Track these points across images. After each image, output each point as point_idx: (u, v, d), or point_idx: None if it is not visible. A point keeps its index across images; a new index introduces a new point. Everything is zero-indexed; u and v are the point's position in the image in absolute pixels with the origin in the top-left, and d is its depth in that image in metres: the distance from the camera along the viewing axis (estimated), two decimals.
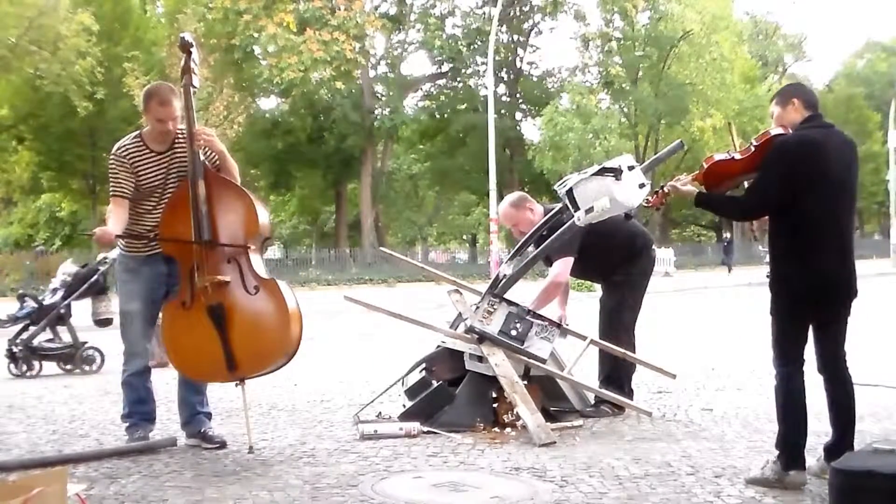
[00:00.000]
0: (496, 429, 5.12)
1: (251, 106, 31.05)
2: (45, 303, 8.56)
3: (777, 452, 3.92)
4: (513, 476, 4.17)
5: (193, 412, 4.90)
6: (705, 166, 4.09)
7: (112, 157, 4.72)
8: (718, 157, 4.11)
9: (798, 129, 3.93)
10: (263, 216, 4.73)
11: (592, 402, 5.70)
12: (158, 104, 4.66)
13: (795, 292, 3.86)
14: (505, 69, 41.29)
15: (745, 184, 4.09)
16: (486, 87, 32.69)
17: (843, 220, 3.93)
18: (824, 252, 3.84)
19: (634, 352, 5.74)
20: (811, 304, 3.87)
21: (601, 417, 5.52)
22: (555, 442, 4.79)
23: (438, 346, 5.58)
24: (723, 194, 4.13)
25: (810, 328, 3.94)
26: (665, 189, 4.24)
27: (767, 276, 3.98)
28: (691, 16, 36.75)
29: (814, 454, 4.01)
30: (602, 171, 5.10)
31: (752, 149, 3.97)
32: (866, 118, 51.52)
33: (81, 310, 8.67)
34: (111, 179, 4.68)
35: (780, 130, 3.95)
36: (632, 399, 5.69)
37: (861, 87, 53.53)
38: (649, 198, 4.35)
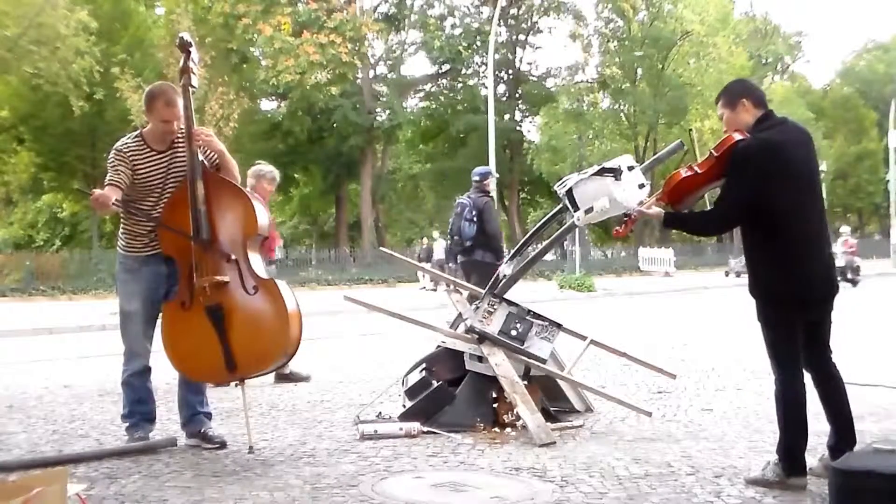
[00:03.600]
0: (496, 429, 5.12)
1: (244, 102, 30.97)
2: None
3: (778, 455, 3.93)
4: (513, 476, 4.18)
5: (193, 412, 4.90)
6: (671, 184, 3.95)
7: (114, 150, 4.72)
8: (682, 173, 3.95)
9: (755, 130, 3.87)
10: (263, 216, 4.73)
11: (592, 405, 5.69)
12: (164, 105, 4.67)
13: (784, 297, 3.84)
14: (504, 69, 41.31)
15: (707, 196, 4.02)
16: (486, 88, 32.71)
17: (814, 216, 3.92)
18: (805, 251, 3.84)
19: None
20: (801, 307, 3.87)
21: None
22: (555, 442, 4.79)
23: (438, 346, 5.59)
24: (691, 211, 4.03)
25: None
26: (632, 216, 4.07)
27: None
28: (690, 17, 36.77)
29: (814, 454, 4.01)
30: (601, 172, 5.09)
31: (714, 158, 3.86)
32: (863, 117, 51.56)
33: None
34: (109, 170, 4.67)
35: (739, 136, 3.85)
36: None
37: (858, 85, 53.54)
38: (618, 227, 4.12)
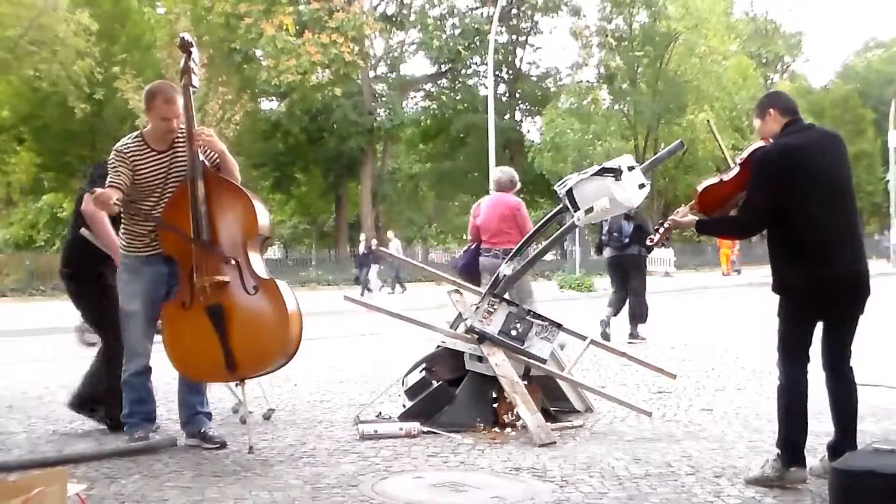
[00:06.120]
0: (496, 429, 5.12)
1: (247, 104, 30.96)
2: None
3: (777, 452, 3.93)
4: (513, 476, 4.18)
5: (193, 412, 4.90)
6: (699, 193, 4.19)
7: (114, 151, 4.72)
8: (707, 183, 4.20)
9: (778, 137, 3.99)
10: (263, 216, 4.73)
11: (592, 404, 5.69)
12: (163, 102, 4.67)
13: (801, 297, 3.89)
14: (504, 69, 41.30)
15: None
16: (486, 88, 32.70)
17: (842, 219, 3.94)
18: (826, 253, 3.86)
19: None
20: (818, 307, 3.90)
21: None
22: (555, 442, 4.79)
23: (438, 346, 5.59)
24: (720, 217, 4.20)
25: (820, 326, 3.95)
26: (666, 225, 4.30)
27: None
28: (674, 10, 36.83)
29: (814, 454, 4.01)
30: (602, 172, 5.11)
31: (738, 168, 4.04)
32: (861, 117, 51.49)
33: None
34: (110, 172, 4.67)
35: (760, 144, 4.05)
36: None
37: (857, 84, 53.47)
38: (653, 236, 4.38)
